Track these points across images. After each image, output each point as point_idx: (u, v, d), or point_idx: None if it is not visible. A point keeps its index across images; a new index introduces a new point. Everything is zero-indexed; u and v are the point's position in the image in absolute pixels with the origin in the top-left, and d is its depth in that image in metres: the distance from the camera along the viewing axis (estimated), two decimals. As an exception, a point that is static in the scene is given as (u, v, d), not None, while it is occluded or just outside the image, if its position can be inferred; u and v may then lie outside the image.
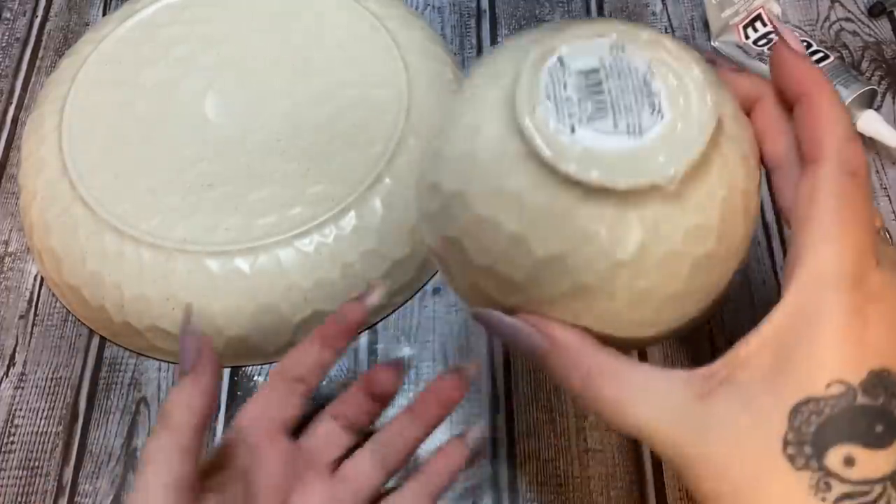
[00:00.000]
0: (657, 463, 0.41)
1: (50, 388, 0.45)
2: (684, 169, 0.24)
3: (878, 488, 0.23)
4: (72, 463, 0.43)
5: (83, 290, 0.44)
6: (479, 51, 0.56)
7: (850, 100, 0.48)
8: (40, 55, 0.58)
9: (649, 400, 0.25)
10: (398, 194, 0.45)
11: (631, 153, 0.24)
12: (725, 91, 0.27)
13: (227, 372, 0.45)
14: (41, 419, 0.44)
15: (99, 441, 0.43)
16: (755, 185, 0.28)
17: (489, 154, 0.25)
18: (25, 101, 0.56)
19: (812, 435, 0.23)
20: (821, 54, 0.51)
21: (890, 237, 0.28)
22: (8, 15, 0.60)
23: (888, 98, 0.52)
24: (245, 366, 0.45)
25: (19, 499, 0.42)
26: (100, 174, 0.46)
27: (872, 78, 0.53)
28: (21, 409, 0.44)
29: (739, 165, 0.26)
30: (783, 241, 0.47)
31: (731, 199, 0.26)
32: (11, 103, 0.55)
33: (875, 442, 0.23)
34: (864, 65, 0.53)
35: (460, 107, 0.27)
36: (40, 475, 0.42)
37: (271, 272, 0.43)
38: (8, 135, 0.54)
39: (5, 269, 0.49)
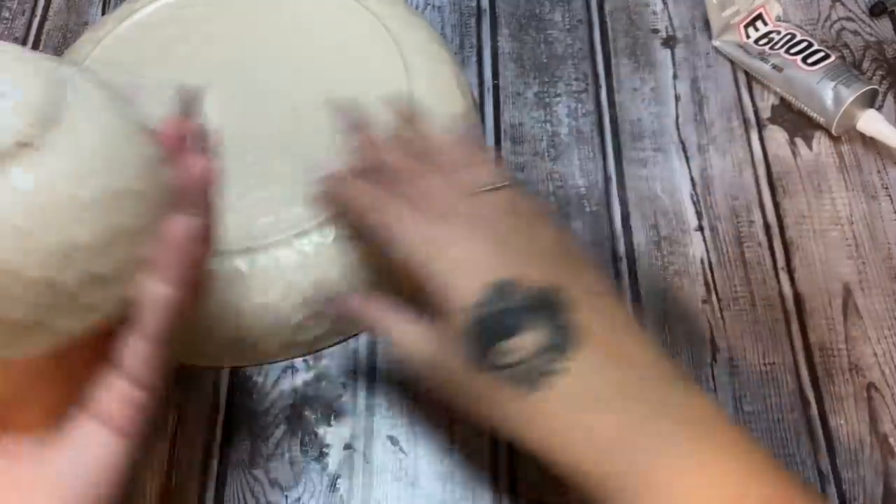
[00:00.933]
0: (658, 463, 0.41)
1: (49, 388, 0.45)
2: None
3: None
4: (70, 463, 0.42)
5: None
6: (479, 50, 0.56)
7: (851, 99, 0.48)
8: (39, 54, 0.57)
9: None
10: None
11: None
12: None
13: (226, 373, 0.45)
14: (40, 419, 0.44)
15: (98, 441, 0.43)
16: None
17: None
18: (24, 100, 0.55)
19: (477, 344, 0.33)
20: (822, 54, 0.51)
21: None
22: (7, 14, 0.59)
23: (889, 97, 0.52)
24: (244, 367, 0.45)
25: (18, 499, 0.42)
26: None
27: (873, 77, 0.53)
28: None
29: None
30: (784, 241, 0.47)
31: None
32: (10, 103, 0.55)
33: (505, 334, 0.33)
34: (866, 64, 0.53)
35: None
36: (39, 476, 0.42)
37: (270, 272, 0.43)
38: (7, 134, 0.54)
39: (4, 268, 0.49)
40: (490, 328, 0.32)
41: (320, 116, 0.47)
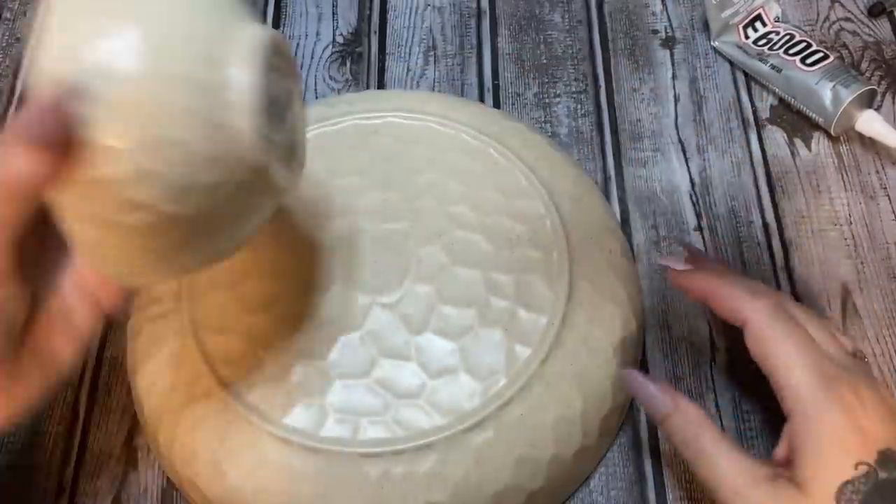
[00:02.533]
0: (657, 463, 0.42)
1: (50, 388, 0.45)
2: None
3: None
4: (72, 463, 0.43)
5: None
6: (479, 51, 0.56)
7: (849, 100, 0.48)
8: (40, 55, 0.58)
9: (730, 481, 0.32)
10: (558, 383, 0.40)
11: None
12: None
13: None
14: (41, 419, 0.44)
15: (99, 441, 0.43)
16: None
17: None
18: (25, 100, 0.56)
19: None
20: (820, 54, 0.51)
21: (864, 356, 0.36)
22: (8, 15, 0.60)
23: (888, 98, 0.52)
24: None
25: (20, 499, 0.42)
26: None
27: (872, 78, 0.53)
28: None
29: None
30: (783, 242, 0.47)
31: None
32: (12, 103, 0.55)
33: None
34: (864, 65, 0.53)
35: None
36: (41, 475, 0.42)
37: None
38: (8, 135, 0.54)
39: (5, 269, 0.49)
40: (881, 495, 0.30)
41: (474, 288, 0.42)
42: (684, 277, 0.38)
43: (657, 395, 0.36)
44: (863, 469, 0.30)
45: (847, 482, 0.30)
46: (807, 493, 0.30)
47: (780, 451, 0.34)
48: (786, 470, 0.32)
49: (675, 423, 0.35)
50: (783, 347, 0.33)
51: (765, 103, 0.53)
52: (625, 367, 0.41)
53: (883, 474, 0.30)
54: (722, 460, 0.33)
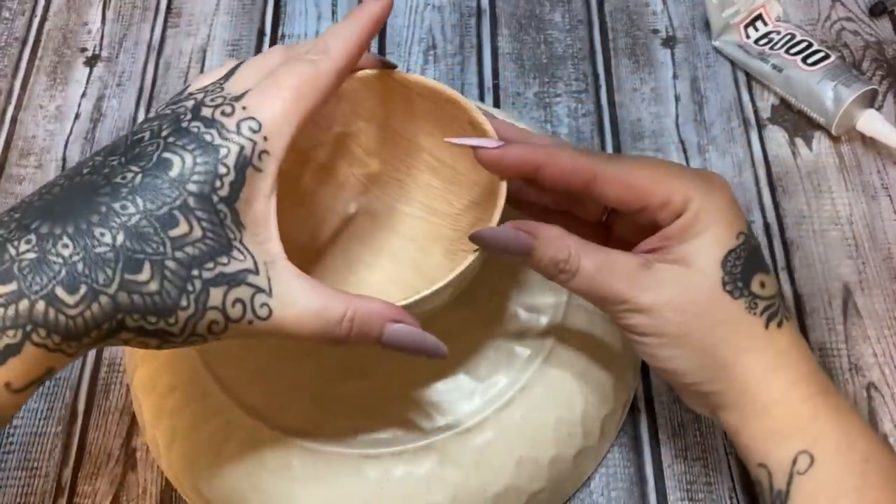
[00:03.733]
0: (657, 463, 0.41)
1: (49, 388, 0.45)
2: None
3: (777, 299, 0.34)
4: (71, 463, 0.43)
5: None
6: (479, 50, 0.56)
7: (850, 99, 0.48)
8: (39, 55, 0.57)
9: (615, 271, 0.33)
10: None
11: None
12: None
13: None
14: (40, 419, 0.44)
15: (98, 441, 0.43)
16: None
17: None
18: (24, 100, 0.55)
19: (739, 274, 0.33)
20: (821, 54, 0.51)
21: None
22: (7, 14, 0.59)
23: (889, 98, 0.52)
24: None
25: (18, 499, 0.42)
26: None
27: (873, 77, 0.53)
28: (20, 410, 0.44)
29: None
30: (784, 242, 0.47)
31: None
32: (10, 103, 0.55)
33: (767, 269, 0.34)
34: (865, 64, 0.53)
35: None
36: (39, 476, 0.42)
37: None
38: (7, 134, 0.54)
39: (4, 269, 0.49)
40: (753, 259, 0.33)
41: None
42: (506, 150, 0.34)
43: (512, 234, 0.33)
44: (742, 238, 0.33)
45: (731, 251, 0.33)
46: (692, 266, 0.33)
47: (646, 245, 0.34)
48: (654, 254, 0.34)
49: (541, 251, 0.33)
50: (647, 169, 0.34)
51: (766, 103, 0.53)
52: (625, 368, 0.41)
53: (753, 241, 0.34)
54: (597, 273, 0.33)
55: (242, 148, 0.28)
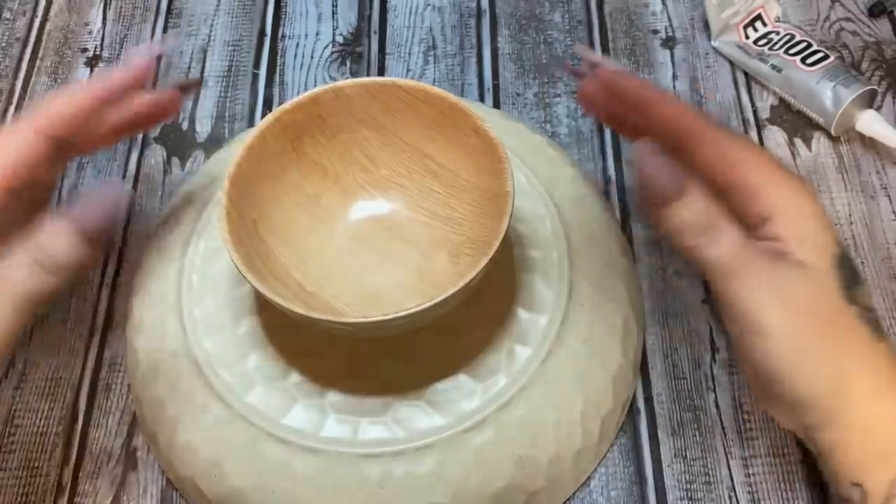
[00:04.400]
0: (657, 463, 0.41)
1: (49, 388, 0.45)
2: None
3: (874, 313, 0.32)
4: (71, 463, 0.43)
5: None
6: (479, 51, 0.56)
7: (850, 100, 0.48)
8: (40, 55, 0.58)
9: (754, 253, 0.31)
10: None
11: None
12: None
13: None
14: (41, 419, 0.44)
15: (99, 441, 0.43)
16: None
17: None
18: (25, 101, 0.56)
19: (847, 280, 0.31)
20: (821, 54, 0.51)
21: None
22: (8, 15, 0.60)
23: (888, 98, 0.52)
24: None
25: (19, 499, 0.42)
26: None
27: (872, 78, 0.53)
28: (21, 410, 0.44)
29: None
30: (783, 241, 0.47)
31: None
32: (11, 103, 0.55)
33: (863, 277, 0.34)
34: (865, 65, 0.53)
35: None
36: (40, 475, 0.42)
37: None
38: (8, 135, 0.54)
39: (5, 269, 0.49)
40: (853, 271, 0.32)
41: None
42: (624, 76, 0.35)
43: (669, 166, 0.31)
44: (841, 246, 0.32)
45: (836, 256, 0.32)
46: (811, 266, 0.31)
47: (770, 230, 0.32)
48: (778, 245, 0.32)
49: (691, 202, 0.31)
50: (748, 150, 0.33)
51: (765, 103, 0.53)
52: (625, 368, 0.41)
53: (846, 252, 0.33)
54: (740, 248, 0.31)
55: None
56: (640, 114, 0.35)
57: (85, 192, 0.32)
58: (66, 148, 0.35)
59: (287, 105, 0.40)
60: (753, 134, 0.51)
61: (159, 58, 0.37)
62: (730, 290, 0.31)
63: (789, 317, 0.31)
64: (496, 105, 0.53)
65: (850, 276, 0.32)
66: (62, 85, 0.56)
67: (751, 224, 0.32)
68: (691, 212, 0.31)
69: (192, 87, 0.38)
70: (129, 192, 0.34)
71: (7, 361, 0.33)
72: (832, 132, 0.50)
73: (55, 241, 0.32)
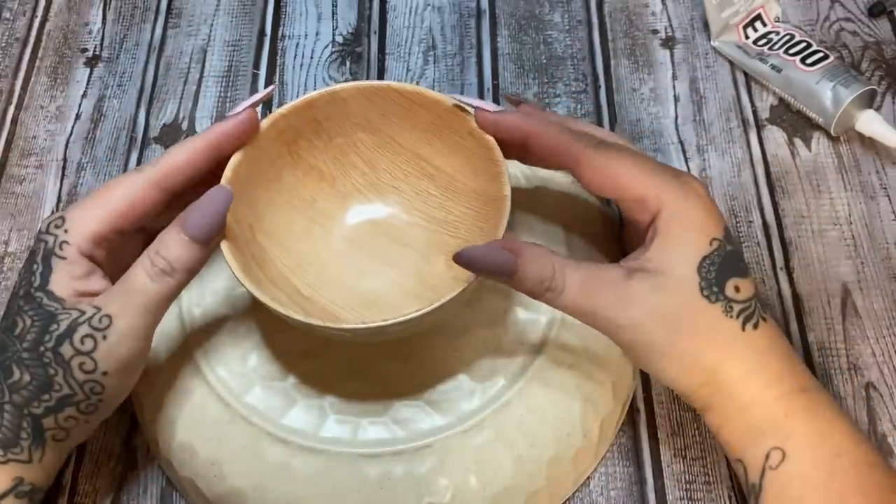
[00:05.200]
0: (657, 463, 0.41)
1: (50, 388, 0.45)
2: None
3: (752, 302, 0.35)
4: (71, 462, 0.43)
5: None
6: (479, 51, 0.56)
7: (849, 100, 0.48)
8: (40, 55, 0.58)
9: (602, 285, 0.34)
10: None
11: None
12: None
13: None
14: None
15: (98, 440, 0.43)
16: None
17: None
18: (25, 101, 0.56)
19: (714, 279, 0.34)
20: (820, 54, 0.51)
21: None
22: (7, 15, 0.60)
23: (888, 98, 0.52)
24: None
25: (19, 499, 0.42)
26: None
27: (872, 78, 0.53)
28: None
29: None
30: (783, 241, 0.47)
31: None
32: (11, 103, 0.55)
33: (744, 273, 0.35)
34: (864, 65, 0.53)
35: None
36: (40, 475, 0.42)
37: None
38: (7, 134, 0.54)
39: (5, 269, 0.49)
40: (728, 264, 0.35)
41: None
42: (503, 116, 0.37)
43: (496, 253, 0.34)
44: (716, 244, 0.34)
45: (705, 257, 0.34)
46: (668, 274, 0.34)
47: (631, 256, 0.36)
48: (636, 262, 0.35)
49: (525, 269, 0.34)
50: (625, 164, 0.36)
51: (765, 103, 0.53)
52: (624, 368, 0.41)
53: (729, 246, 0.35)
54: (584, 289, 0.34)
55: (46, 243, 0.35)
56: (525, 148, 0.38)
57: (195, 201, 0.36)
58: (177, 196, 0.37)
59: (283, 109, 0.40)
60: (753, 134, 0.51)
61: (262, 102, 0.40)
62: (591, 322, 0.35)
63: (644, 326, 0.34)
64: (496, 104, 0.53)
65: (719, 274, 0.34)
66: (62, 84, 0.56)
67: (644, 231, 0.36)
68: (531, 273, 0.34)
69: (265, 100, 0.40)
70: (231, 194, 0.36)
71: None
72: (832, 132, 0.50)
73: (167, 247, 0.35)
